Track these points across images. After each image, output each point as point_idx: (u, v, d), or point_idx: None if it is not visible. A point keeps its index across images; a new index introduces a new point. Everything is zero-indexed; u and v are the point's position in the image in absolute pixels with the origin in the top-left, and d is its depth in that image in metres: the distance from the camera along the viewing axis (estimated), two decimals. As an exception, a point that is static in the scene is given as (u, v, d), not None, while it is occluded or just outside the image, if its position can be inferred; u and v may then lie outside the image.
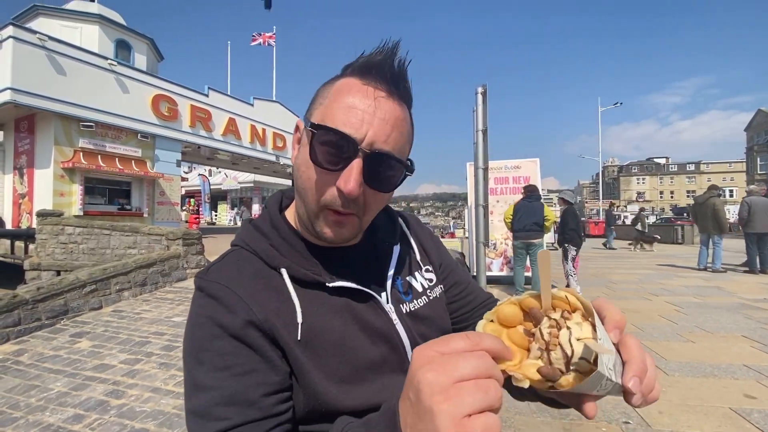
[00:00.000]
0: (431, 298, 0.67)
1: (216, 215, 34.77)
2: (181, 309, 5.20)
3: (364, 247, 0.65)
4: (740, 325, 4.12)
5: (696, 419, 2.22)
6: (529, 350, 0.41)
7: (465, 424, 0.29)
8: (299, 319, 0.53)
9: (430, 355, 0.33)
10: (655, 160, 77.42)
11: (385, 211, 0.75)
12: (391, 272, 0.64)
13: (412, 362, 0.34)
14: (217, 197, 33.82)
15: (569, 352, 0.36)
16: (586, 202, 57.05)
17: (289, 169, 20.69)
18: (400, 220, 0.75)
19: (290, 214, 0.65)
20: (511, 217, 5.75)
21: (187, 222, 18.22)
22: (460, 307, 0.74)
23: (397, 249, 0.68)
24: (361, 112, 0.51)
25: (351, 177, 0.50)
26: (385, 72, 0.52)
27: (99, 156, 11.81)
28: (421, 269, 0.70)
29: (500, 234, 6.95)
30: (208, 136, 15.15)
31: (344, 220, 0.54)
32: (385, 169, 0.52)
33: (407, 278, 0.67)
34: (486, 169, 4.27)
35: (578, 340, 0.36)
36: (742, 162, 57.17)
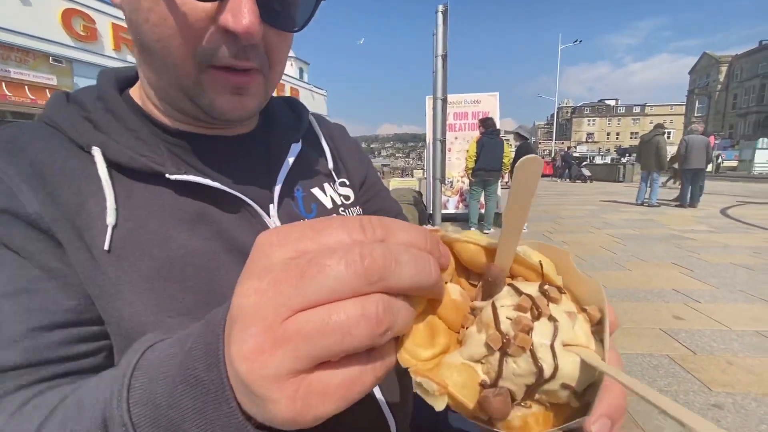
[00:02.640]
0: None
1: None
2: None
3: (248, 138, 0.47)
4: (671, 254, 4.45)
5: (630, 341, 2.35)
6: (459, 335, 0.24)
7: (276, 331, 0.18)
8: (109, 220, 0.36)
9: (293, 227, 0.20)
10: (606, 101, 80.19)
11: (287, 102, 0.58)
12: (282, 175, 0.46)
13: None
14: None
15: (548, 369, 0.20)
16: (539, 143, 58.90)
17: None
18: (311, 117, 0.57)
19: (138, 93, 0.46)
20: (475, 155, 5.45)
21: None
22: None
23: (297, 147, 0.49)
24: None
25: (242, 6, 0.33)
26: None
27: (2, 83, 10.04)
28: (334, 182, 0.53)
29: (457, 172, 6.89)
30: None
31: (246, 80, 0.38)
32: None
33: (311, 190, 0.50)
34: (445, 100, 4.02)
35: (565, 346, 0.21)
36: (682, 105, 60.81)
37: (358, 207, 0.55)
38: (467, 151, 5.70)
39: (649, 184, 8.59)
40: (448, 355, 0.23)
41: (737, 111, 44.04)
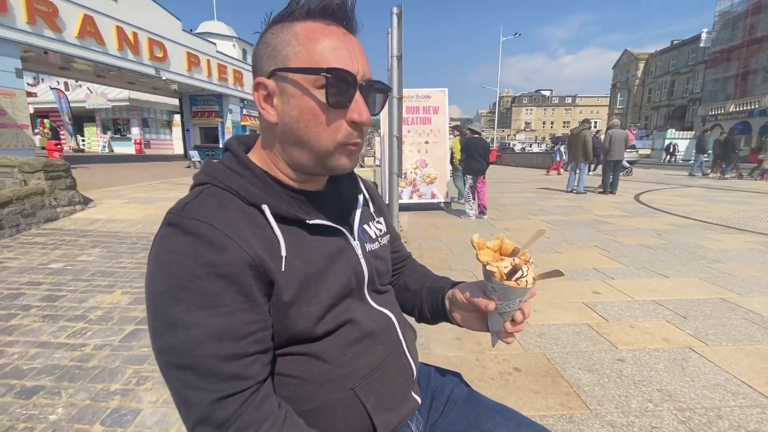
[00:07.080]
0: (382, 244, 0.78)
1: (84, 141, 28.97)
2: (59, 254, 4.48)
3: (329, 193, 0.71)
4: (593, 237, 5.16)
5: (558, 313, 2.83)
6: (496, 259, 0.65)
7: None
8: (283, 253, 0.56)
9: None
10: (542, 92, 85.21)
11: None
12: (358, 215, 0.73)
13: None
14: (83, 118, 27.92)
15: (526, 272, 0.61)
16: (483, 130, 61.35)
17: (174, 86, 17.85)
18: (355, 173, 0.83)
19: (257, 158, 0.65)
20: (460, 148, 7.14)
21: (44, 149, 14.94)
22: (393, 259, 0.88)
23: (361, 197, 0.77)
24: (345, 50, 0.56)
25: (362, 108, 0.57)
26: (346, 12, 0.58)
27: None
28: (374, 220, 0.80)
29: (410, 164, 7.21)
30: (57, 38, 11.86)
31: (357, 148, 0.61)
32: (376, 93, 0.61)
33: (364, 226, 0.76)
34: (401, 99, 4.25)
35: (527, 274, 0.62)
36: (606, 97, 66.33)
37: (387, 235, 0.81)
38: (452, 146, 7.82)
39: (576, 174, 9.57)
40: (496, 262, 0.62)
41: (651, 104, 49.15)
